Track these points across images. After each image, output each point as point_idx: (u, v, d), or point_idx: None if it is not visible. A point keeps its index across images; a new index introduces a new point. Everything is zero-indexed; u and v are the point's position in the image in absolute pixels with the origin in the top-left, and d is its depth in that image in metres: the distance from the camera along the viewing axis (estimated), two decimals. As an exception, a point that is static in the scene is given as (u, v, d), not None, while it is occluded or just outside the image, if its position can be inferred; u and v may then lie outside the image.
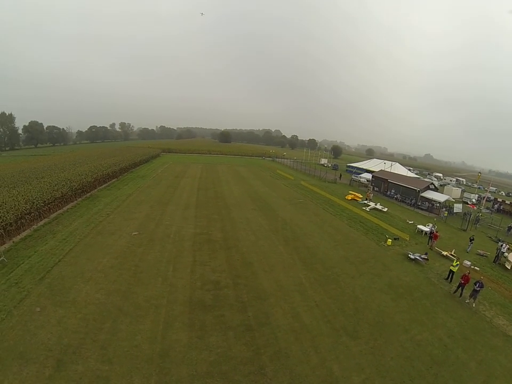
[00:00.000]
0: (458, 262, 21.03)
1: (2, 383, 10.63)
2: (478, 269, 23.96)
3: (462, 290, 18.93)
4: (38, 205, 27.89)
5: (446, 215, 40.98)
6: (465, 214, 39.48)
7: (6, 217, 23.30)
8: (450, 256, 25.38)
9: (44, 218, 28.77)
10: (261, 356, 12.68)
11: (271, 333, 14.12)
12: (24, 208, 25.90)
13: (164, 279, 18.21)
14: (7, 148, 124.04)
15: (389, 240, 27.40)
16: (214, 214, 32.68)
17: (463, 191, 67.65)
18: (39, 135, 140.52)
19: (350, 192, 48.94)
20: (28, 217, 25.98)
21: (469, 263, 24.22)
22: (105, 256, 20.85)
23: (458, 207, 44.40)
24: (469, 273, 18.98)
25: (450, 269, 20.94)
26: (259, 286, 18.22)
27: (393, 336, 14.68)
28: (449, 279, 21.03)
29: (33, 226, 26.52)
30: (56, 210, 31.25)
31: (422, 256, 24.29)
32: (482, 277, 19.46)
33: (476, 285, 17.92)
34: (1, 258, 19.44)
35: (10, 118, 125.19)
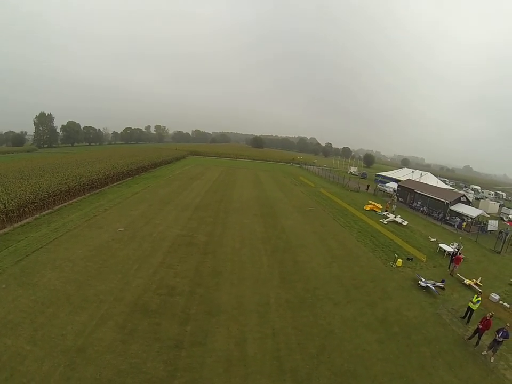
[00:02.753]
0: (479, 298, 16.06)
1: None
2: (509, 306, 18.51)
3: (479, 337, 14.12)
4: (42, 196, 29.51)
5: (464, 226, 35.95)
6: (501, 233, 33.22)
7: (8, 204, 25.49)
8: (475, 286, 20.36)
9: (48, 208, 30.15)
10: (175, 380, 10.96)
11: (200, 356, 12.16)
12: (28, 197, 27.77)
13: (123, 276, 17.66)
14: (45, 146, 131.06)
15: (399, 260, 22.80)
16: (209, 217, 30.62)
17: (501, 206, 58.63)
18: (75, 135, 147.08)
19: (369, 202, 43.96)
20: (31, 206, 27.77)
21: (497, 297, 18.98)
22: (82, 247, 21.09)
23: (493, 224, 37.58)
24: (491, 316, 14.09)
25: (469, 306, 16.19)
26: (216, 300, 16.16)
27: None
28: (466, 318, 16.26)
29: (35, 215, 28.13)
30: (62, 203, 32.51)
31: (437, 283, 19.59)
32: (508, 324, 14.36)
33: (497, 334, 13.16)
34: None
35: (49, 118, 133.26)
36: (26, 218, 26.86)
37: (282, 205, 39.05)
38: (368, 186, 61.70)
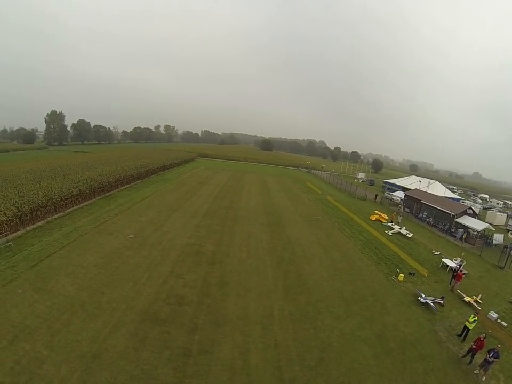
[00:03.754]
0: (476, 318, 16.54)
1: (-35, 342, 12.28)
2: (506, 325, 18.94)
3: (472, 356, 14.75)
4: (54, 200, 30.06)
5: (464, 237, 36.47)
6: (506, 247, 33.06)
7: (22, 208, 26.16)
8: (474, 303, 20.83)
9: (59, 212, 30.65)
10: None
11: (207, 364, 12.94)
12: (41, 201, 28.33)
13: (133, 285, 18.23)
14: (56, 143, 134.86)
15: (401, 274, 23.33)
16: (217, 225, 31.31)
17: (509, 217, 57.59)
18: (86, 133, 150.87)
19: (375, 212, 44.36)
20: (43, 210, 28.37)
21: (495, 315, 19.41)
22: (94, 254, 21.64)
23: (498, 238, 37.77)
24: (484, 337, 14.65)
25: (465, 325, 16.75)
26: (222, 310, 16.85)
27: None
28: (462, 336, 16.82)
29: (47, 218, 28.55)
30: (73, 206, 33.01)
31: (436, 300, 20.15)
32: (499, 345, 14.72)
33: (489, 354, 13.81)
34: (9, 243, 22.07)
35: (60, 116, 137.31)
36: (38, 222, 27.40)
37: (289, 214, 39.65)
38: (376, 196, 60.71)
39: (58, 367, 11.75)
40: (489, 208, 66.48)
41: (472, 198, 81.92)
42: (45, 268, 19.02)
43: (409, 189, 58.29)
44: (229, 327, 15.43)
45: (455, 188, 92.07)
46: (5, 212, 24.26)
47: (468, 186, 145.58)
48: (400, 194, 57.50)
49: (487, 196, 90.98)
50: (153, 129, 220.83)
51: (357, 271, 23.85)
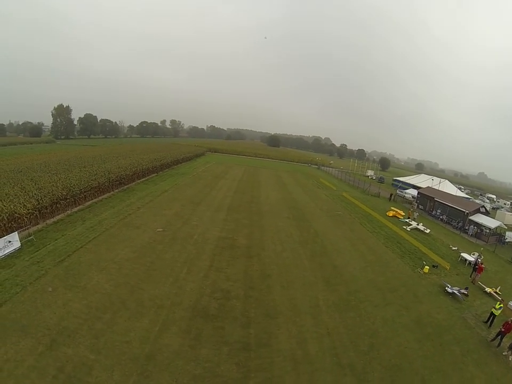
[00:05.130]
0: (501, 305, 18.57)
1: (0, 349, 11.62)
2: None
3: (501, 339, 16.61)
4: (74, 192, 29.72)
5: (475, 233, 38.34)
6: None
7: (42, 200, 25.53)
8: (495, 294, 22.69)
9: (79, 205, 30.37)
10: (249, 381, 11.92)
11: (268, 357, 13.25)
12: (60, 193, 27.86)
13: (174, 280, 18.16)
14: (63, 137, 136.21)
15: (426, 267, 25.13)
16: (244, 219, 32.56)
17: None
18: (92, 127, 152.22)
19: (391, 208, 46.11)
20: (63, 203, 27.91)
21: (515, 305, 21.37)
22: (124, 248, 21.43)
23: (510, 236, 39.73)
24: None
25: (492, 312, 18.60)
26: (271, 302, 17.44)
27: (407, 387, 12.88)
28: (488, 322, 18.67)
29: (67, 211, 28.20)
30: (92, 199, 32.88)
31: (461, 290, 21.96)
32: None
33: (516, 337, 15.74)
34: (31, 237, 21.34)
35: (67, 110, 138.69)
36: (58, 215, 26.93)
37: (310, 209, 41.34)
38: (391, 195, 59.64)
39: (111, 372, 11.13)
40: (497, 208, 68.17)
41: (479, 197, 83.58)
42: (74, 263, 18.52)
43: (420, 187, 59.88)
44: (281, 318, 16.02)
45: (462, 187, 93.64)
46: (24, 204, 23.66)
47: (474, 186, 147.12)
48: (412, 192, 59.20)
49: (494, 196, 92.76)
50: (159, 124, 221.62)
51: (384, 263, 25.58)
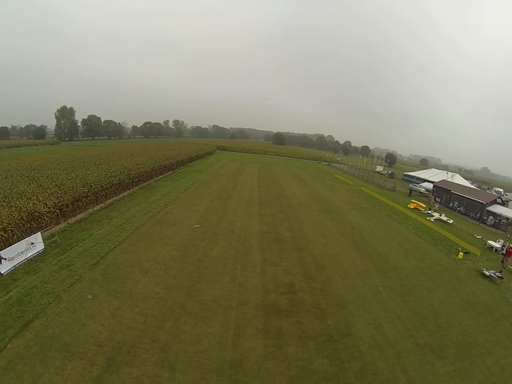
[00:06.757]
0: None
1: (41, 377, 9.53)
2: None
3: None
4: (95, 189, 28.74)
5: (494, 223, 40.71)
6: None
7: (63, 198, 24.05)
8: (527, 277, 24.91)
9: (100, 203, 29.69)
10: (346, 372, 11.75)
11: (354, 346, 13.30)
12: (81, 191, 26.67)
13: (232, 278, 17.61)
14: (67, 139, 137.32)
15: (460, 253, 27.25)
16: (279, 213, 33.70)
17: None
18: (96, 128, 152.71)
19: (412, 200, 48.30)
20: (84, 200, 26.91)
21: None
22: (164, 247, 20.62)
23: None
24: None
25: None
26: (336, 292, 17.86)
27: (478, 358, 14.09)
28: (527, 300, 20.87)
29: (89, 210, 27.36)
30: (113, 197, 32.37)
31: (497, 273, 24.11)
32: None
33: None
34: (55, 238, 19.91)
35: (70, 111, 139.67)
36: (80, 214, 25.98)
37: (336, 202, 43.12)
38: (411, 190, 60.81)
39: (195, 389, 9.92)
40: (507, 201, 70.47)
41: (487, 191, 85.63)
42: (111, 265, 17.06)
43: (432, 181, 62.14)
44: (351, 307, 16.48)
45: (470, 181, 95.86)
46: (44, 203, 21.88)
47: (480, 181, 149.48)
48: (427, 185, 61.41)
49: (501, 190, 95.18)
50: (162, 124, 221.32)
51: (422, 251, 27.48)
